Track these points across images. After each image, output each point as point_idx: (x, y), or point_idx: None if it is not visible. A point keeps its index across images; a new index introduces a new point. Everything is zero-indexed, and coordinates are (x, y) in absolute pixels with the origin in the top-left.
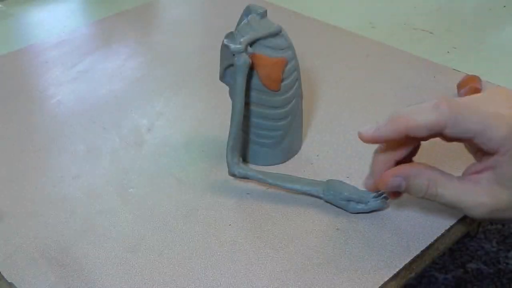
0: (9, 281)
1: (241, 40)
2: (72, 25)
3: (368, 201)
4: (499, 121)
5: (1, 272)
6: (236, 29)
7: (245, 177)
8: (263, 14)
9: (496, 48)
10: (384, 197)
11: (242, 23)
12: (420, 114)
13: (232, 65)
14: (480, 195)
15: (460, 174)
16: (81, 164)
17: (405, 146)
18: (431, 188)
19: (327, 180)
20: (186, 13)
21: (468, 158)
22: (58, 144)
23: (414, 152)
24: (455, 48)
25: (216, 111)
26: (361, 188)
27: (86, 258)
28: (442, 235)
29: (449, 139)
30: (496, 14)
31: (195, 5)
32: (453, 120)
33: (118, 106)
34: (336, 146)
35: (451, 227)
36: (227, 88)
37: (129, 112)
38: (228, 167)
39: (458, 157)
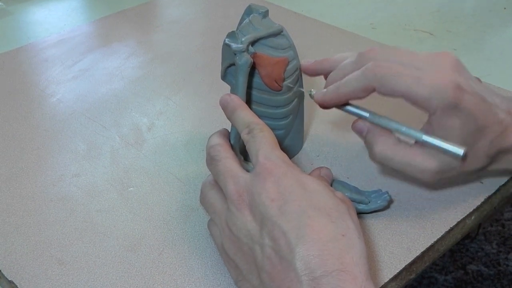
0: (9, 279)
1: (243, 39)
2: (73, 23)
3: (369, 202)
4: (420, 83)
5: (1, 270)
6: (237, 28)
7: None
8: (265, 14)
9: (497, 50)
10: (385, 198)
11: (244, 22)
12: (353, 83)
13: (233, 64)
14: (424, 161)
15: None
16: (81, 163)
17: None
18: (381, 151)
19: None
20: (186, 13)
21: None
22: (58, 142)
23: None
24: (455, 49)
25: (216, 111)
26: (362, 188)
27: (86, 256)
28: (443, 236)
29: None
30: (497, 15)
31: (196, 4)
32: (379, 83)
33: (118, 105)
34: (336, 146)
35: (452, 228)
36: (227, 88)
37: (129, 111)
38: None
39: None
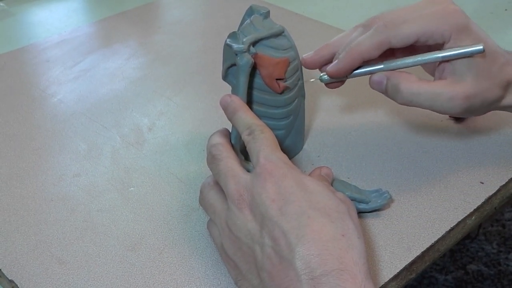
0: (9, 278)
1: (244, 40)
2: (74, 24)
3: (369, 201)
4: (430, 19)
5: (2, 270)
6: (239, 29)
7: None
8: (266, 15)
9: None
10: (386, 197)
11: (245, 23)
12: (367, 41)
13: (234, 64)
14: (452, 87)
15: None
16: (81, 163)
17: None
18: (408, 88)
19: None
20: (187, 14)
21: None
22: (59, 142)
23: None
24: None
25: (217, 111)
26: (363, 188)
27: (87, 256)
28: (443, 236)
29: (400, 51)
30: (498, 17)
31: (197, 5)
32: (393, 33)
33: (119, 105)
34: (337, 147)
35: (452, 228)
36: (228, 88)
37: (130, 112)
38: None
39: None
